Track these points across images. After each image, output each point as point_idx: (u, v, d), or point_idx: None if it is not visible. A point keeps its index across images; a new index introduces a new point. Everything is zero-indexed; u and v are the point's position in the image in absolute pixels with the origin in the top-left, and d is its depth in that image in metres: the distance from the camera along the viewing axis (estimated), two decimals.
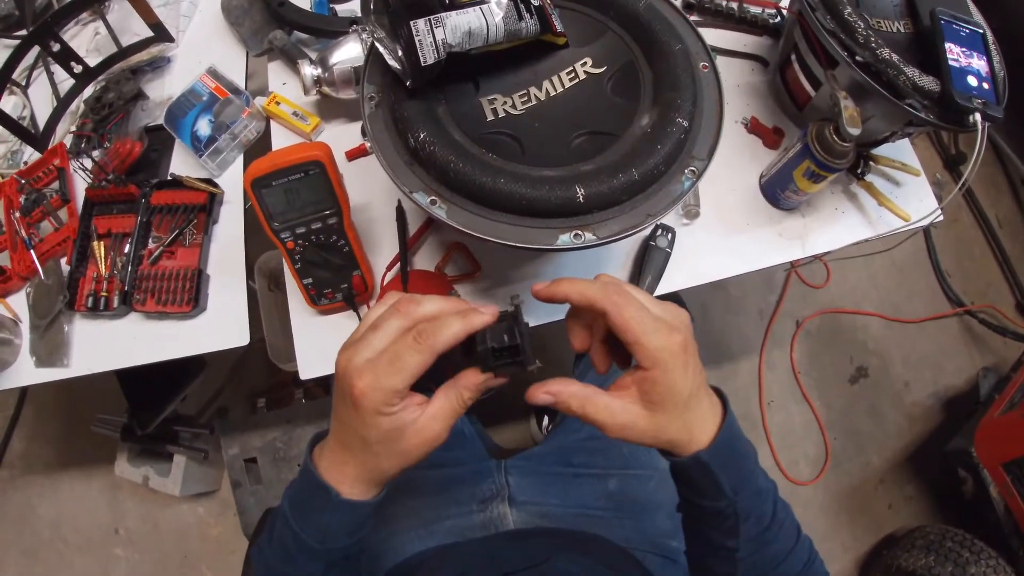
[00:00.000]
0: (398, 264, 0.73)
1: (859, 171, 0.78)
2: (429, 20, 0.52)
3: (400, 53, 0.53)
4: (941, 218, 0.79)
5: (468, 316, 0.40)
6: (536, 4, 0.56)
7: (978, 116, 0.62)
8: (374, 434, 0.40)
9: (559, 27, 0.58)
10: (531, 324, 0.77)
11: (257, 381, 1.49)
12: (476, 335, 0.41)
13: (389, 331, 0.40)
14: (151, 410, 1.19)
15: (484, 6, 0.54)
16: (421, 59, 0.52)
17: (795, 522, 0.47)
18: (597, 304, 0.39)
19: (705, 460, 0.40)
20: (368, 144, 0.80)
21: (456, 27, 0.52)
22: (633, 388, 0.39)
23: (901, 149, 0.82)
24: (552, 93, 0.58)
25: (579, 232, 0.51)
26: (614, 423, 0.39)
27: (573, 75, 0.59)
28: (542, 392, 0.40)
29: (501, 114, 0.57)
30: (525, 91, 0.58)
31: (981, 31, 0.69)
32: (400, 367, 0.38)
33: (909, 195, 0.80)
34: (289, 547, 0.44)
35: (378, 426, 0.39)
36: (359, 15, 0.84)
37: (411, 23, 0.52)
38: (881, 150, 0.79)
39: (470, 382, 0.41)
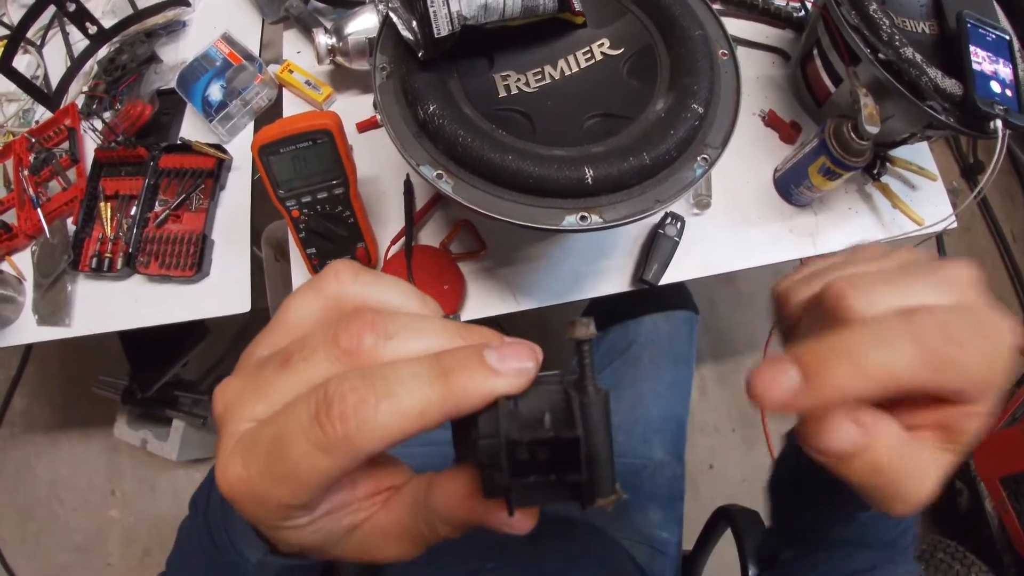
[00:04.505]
0: (403, 238, 0.73)
1: (875, 171, 0.77)
2: None
3: (414, 24, 0.52)
4: (955, 225, 0.78)
5: (452, 376, 0.19)
6: None
7: (999, 123, 0.61)
8: (282, 545, 0.24)
9: (578, 6, 0.57)
10: (528, 308, 0.77)
11: None
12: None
13: (307, 377, 0.20)
14: (152, 373, 1.20)
15: None
16: (435, 30, 0.51)
17: None
18: (930, 388, 0.21)
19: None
20: (379, 115, 0.79)
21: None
22: (930, 433, 0.24)
23: (919, 152, 0.81)
24: (567, 72, 0.57)
25: (585, 214, 0.50)
26: (913, 498, 0.23)
27: (589, 55, 0.58)
28: (847, 424, 0.22)
29: (514, 91, 0.56)
30: (539, 69, 0.57)
31: (1008, 37, 0.67)
32: (287, 473, 0.19)
33: (924, 200, 0.79)
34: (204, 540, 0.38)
35: (280, 540, 0.22)
36: None
37: None
38: (898, 152, 0.78)
39: (451, 511, 0.21)
